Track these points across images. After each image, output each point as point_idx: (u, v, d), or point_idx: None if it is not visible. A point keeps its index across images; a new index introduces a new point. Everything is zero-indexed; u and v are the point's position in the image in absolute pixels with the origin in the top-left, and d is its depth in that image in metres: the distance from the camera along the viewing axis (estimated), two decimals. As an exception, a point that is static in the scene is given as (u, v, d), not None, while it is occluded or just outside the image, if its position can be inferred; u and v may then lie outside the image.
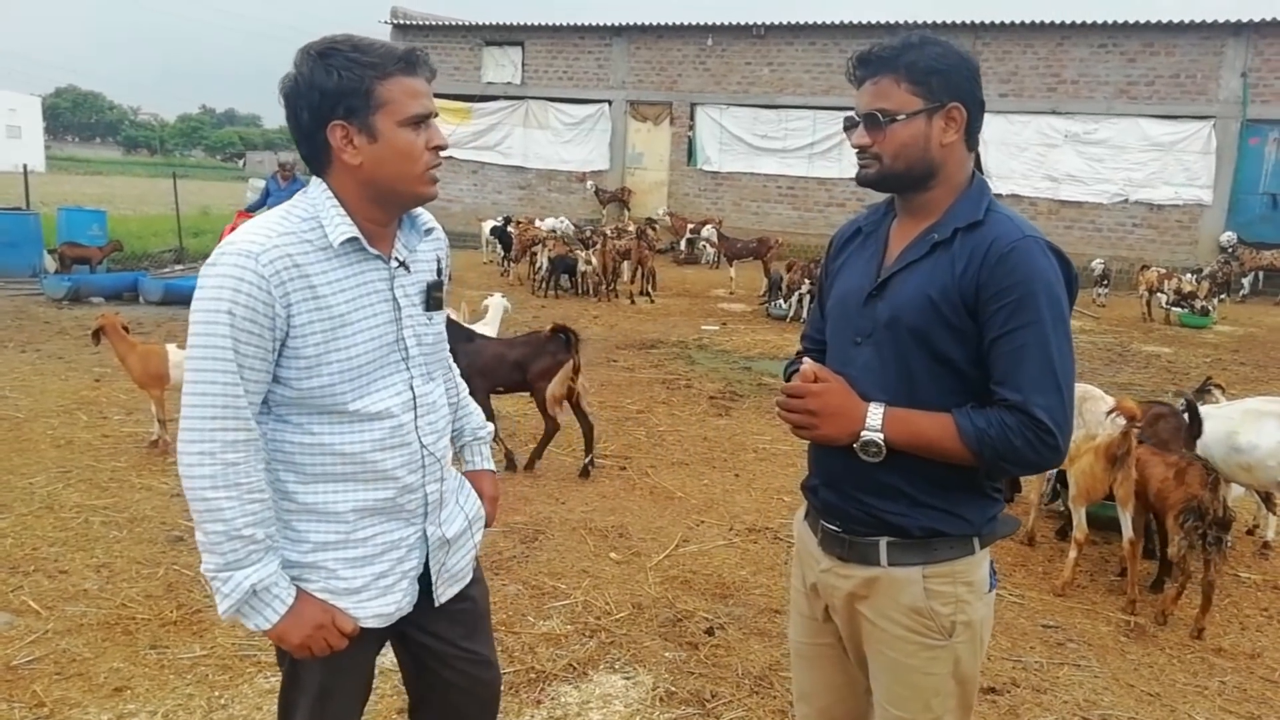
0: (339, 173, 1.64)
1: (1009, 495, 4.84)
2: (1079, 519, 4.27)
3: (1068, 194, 18.02)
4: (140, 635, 3.42)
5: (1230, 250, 16.35)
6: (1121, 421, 4.05)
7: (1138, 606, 4.07)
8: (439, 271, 1.83)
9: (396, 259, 1.72)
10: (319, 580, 1.70)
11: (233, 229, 10.50)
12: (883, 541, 1.73)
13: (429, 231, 1.83)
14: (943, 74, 1.66)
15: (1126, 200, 17.64)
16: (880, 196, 1.87)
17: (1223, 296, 13.92)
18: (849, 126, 1.77)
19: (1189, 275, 13.70)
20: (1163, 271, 13.72)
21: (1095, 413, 4.51)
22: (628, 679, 3.32)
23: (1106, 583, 4.42)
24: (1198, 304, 12.93)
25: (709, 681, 3.31)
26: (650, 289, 13.49)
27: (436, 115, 1.68)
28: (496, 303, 7.61)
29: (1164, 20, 17.01)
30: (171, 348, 5.64)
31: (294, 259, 1.57)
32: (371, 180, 1.63)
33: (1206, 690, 3.46)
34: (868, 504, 1.73)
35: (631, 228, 16.59)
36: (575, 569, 4.22)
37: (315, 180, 1.68)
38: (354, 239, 1.63)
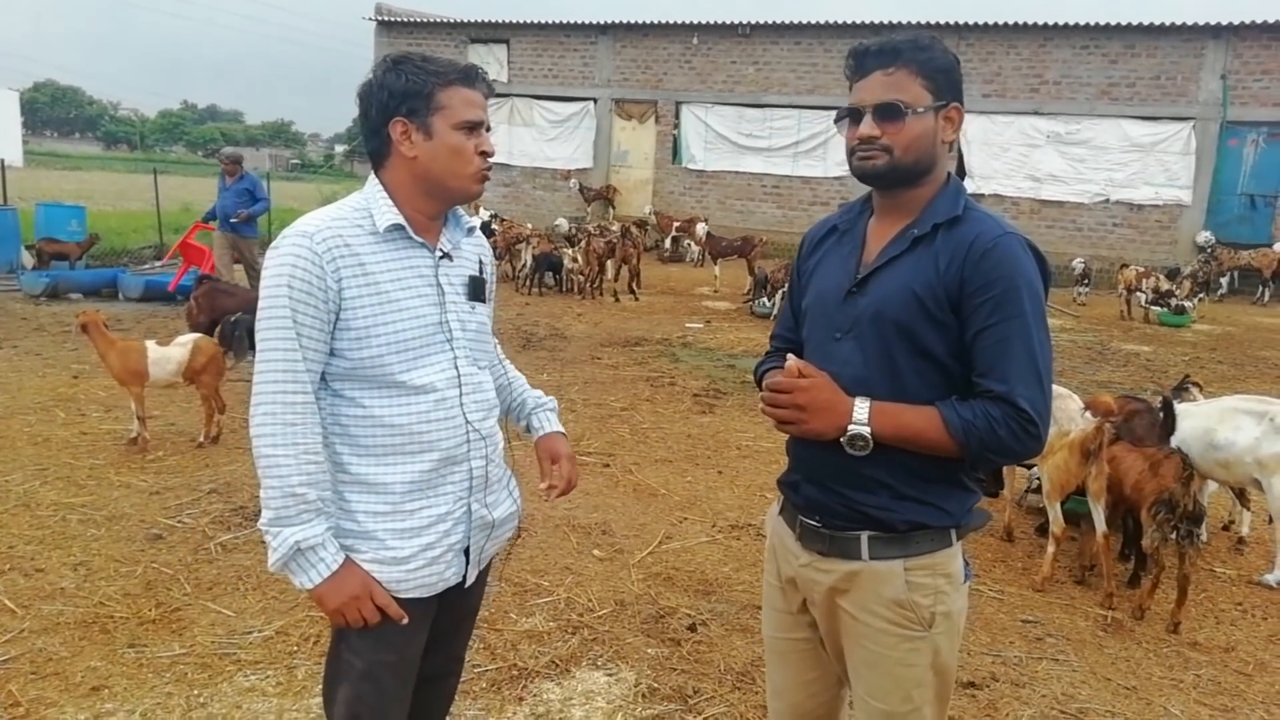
0: (396, 165, 1.81)
1: (994, 490, 4.91)
2: (1055, 514, 4.33)
3: (1049, 194, 18.13)
4: (118, 634, 3.39)
5: (1209, 250, 16.51)
6: (1094, 417, 4.11)
7: (1114, 600, 4.12)
8: (481, 270, 1.98)
9: (441, 249, 1.88)
10: (369, 550, 1.79)
11: (186, 242, 10.15)
12: (864, 536, 1.75)
13: (471, 230, 1.99)
14: (947, 74, 1.72)
15: (1107, 200, 17.78)
16: (859, 191, 1.89)
17: (1202, 296, 14.04)
18: (844, 118, 1.76)
19: (1169, 269, 13.83)
20: (1141, 270, 13.84)
21: (1065, 410, 4.58)
22: (610, 675, 3.32)
23: (1086, 578, 4.45)
24: (1174, 302, 13.04)
25: (691, 678, 3.32)
26: (635, 287, 13.49)
27: (490, 127, 1.87)
28: None
29: (1145, 22, 17.12)
30: (151, 344, 5.60)
31: (345, 239, 1.74)
32: (425, 174, 1.80)
33: (1182, 683, 3.50)
34: (850, 498, 1.75)
35: (615, 226, 16.58)
36: (558, 566, 4.22)
37: (371, 177, 1.86)
38: (400, 226, 1.80)
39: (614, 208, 20.81)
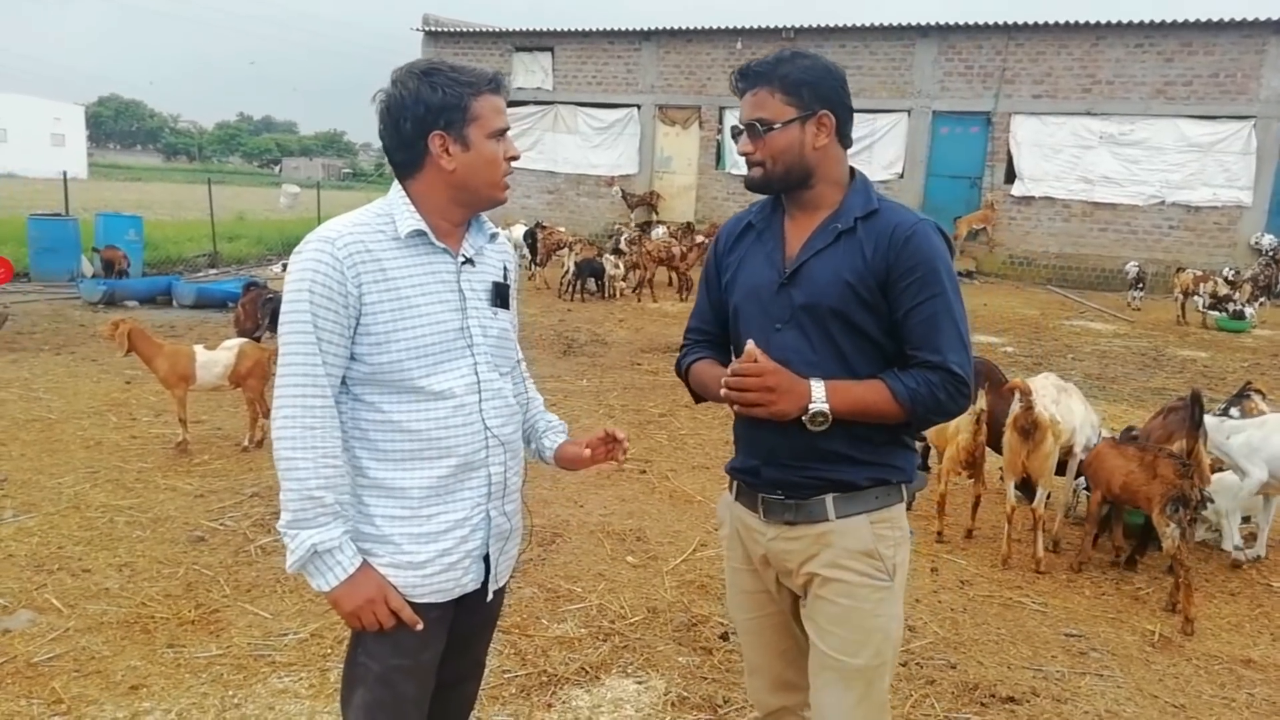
0: (429, 177, 1.82)
1: (923, 464, 5.39)
2: (1010, 492, 4.64)
3: (1102, 196, 17.69)
4: (158, 634, 3.45)
5: (1270, 253, 15.99)
6: (1020, 397, 4.45)
7: (1008, 560, 4.53)
8: (505, 275, 1.98)
9: (464, 255, 1.88)
10: (386, 555, 1.80)
11: None
12: (828, 498, 1.90)
13: (493, 237, 1.98)
14: (812, 85, 1.86)
15: (1163, 202, 17.30)
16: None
17: (1262, 300, 13.60)
18: (735, 135, 1.95)
19: (1225, 274, 13.42)
20: (1198, 274, 13.45)
21: (1064, 405, 4.80)
22: (640, 683, 3.30)
23: (1132, 591, 4.33)
24: (1233, 307, 12.65)
25: (721, 687, 3.28)
26: (684, 292, 13.52)
27: (510, 130, 1.89)
28: None
29: (1203, 19, 16.65)
30: (199, 348, 5.72)
31: (366, 245, 1.75)
32: (461, 184, 1.81)
33: (1234, 703, 3.37)
34: (812, 469, 1.89)
35: (661, 230, 16.63)
36: (591, 572, 4.21)
37: (395, 184, 1.87)
38: (421, 232, 1.80)
39: (657, 213, 20.81)
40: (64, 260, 13.08)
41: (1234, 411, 5.18)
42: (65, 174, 15.85)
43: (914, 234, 1.83)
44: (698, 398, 2.14)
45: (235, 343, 5.91)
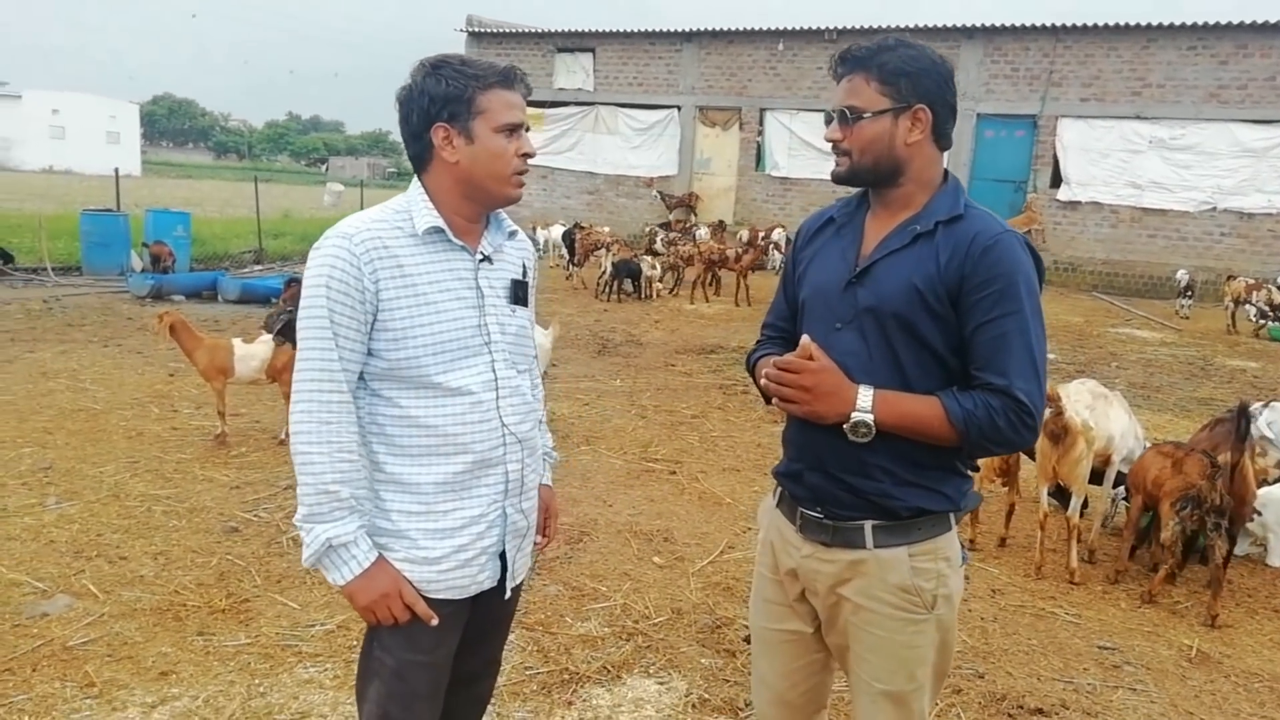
0: (437, 170, 1.81)
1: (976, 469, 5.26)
2: (1042, 498, 4.58)
3: (1152, 202, 17.32)
4: (189, 622, 3.52)
5: (1327, 261, 15.54)
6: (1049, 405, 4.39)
7: (1041, 570, 4.51)
8: (524, 273, 1.97)
9: (482, 253, 1.87)
10: (402, 550, 1.81)
11: None
12: (868, 525, 1.79)
13: (513, 234, 1.97)
14: (911, 76, 1.75)
15: (1215, 208, 16.88)
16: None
17: (1318, 310, 13.20)
18: (827, 120, 1.84)
19: (1278, 281, 13.06)
20: (1250, 282, 13.10)
21: (1100, 411, 4.76)
22: (661, 684, 3.29)
23: (1170, 605, 4.22)
24: (1287, 317, 12.32)
25: (743, 690, 3.26)
26: (713, 293, 13.50)
27: (529, 128, 1.87)
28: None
29: (1259, 20, 16.24)
30: (238, 342, 5.82)
31: (384, 241, 1.75)
32: (467, 178, 1.79)
33: (1273, 722, 3.28)
34: (854, 485, 1.79)
35: (704, 231, 16.64)
36: (617, 572, 4.21)
37: (414, 180, 1.87)
38: (439, 229, 1.80)
39: (696, 215, 20.77)
40: (114, 255, 13.39)
41: None
42: (117, 170, 16.22)
43: (996, 244, 1.69)
44: (767, 397, 1.96)
45: (269, 337, 6.01)
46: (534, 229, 17.14)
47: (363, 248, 1.73)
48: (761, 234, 17.99)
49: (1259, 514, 4.59)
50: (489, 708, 2.90)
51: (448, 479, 1.82)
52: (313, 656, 3.32)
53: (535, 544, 2.07)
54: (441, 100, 1.76)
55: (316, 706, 3.01)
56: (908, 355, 1.74)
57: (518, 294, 1.93)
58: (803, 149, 20.27)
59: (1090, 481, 4.62)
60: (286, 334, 6.27)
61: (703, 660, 3.46)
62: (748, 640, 3.60)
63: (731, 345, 10.18)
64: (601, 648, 3.51)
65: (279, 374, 5.82)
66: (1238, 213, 16.76)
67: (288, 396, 6.01)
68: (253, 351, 5.79)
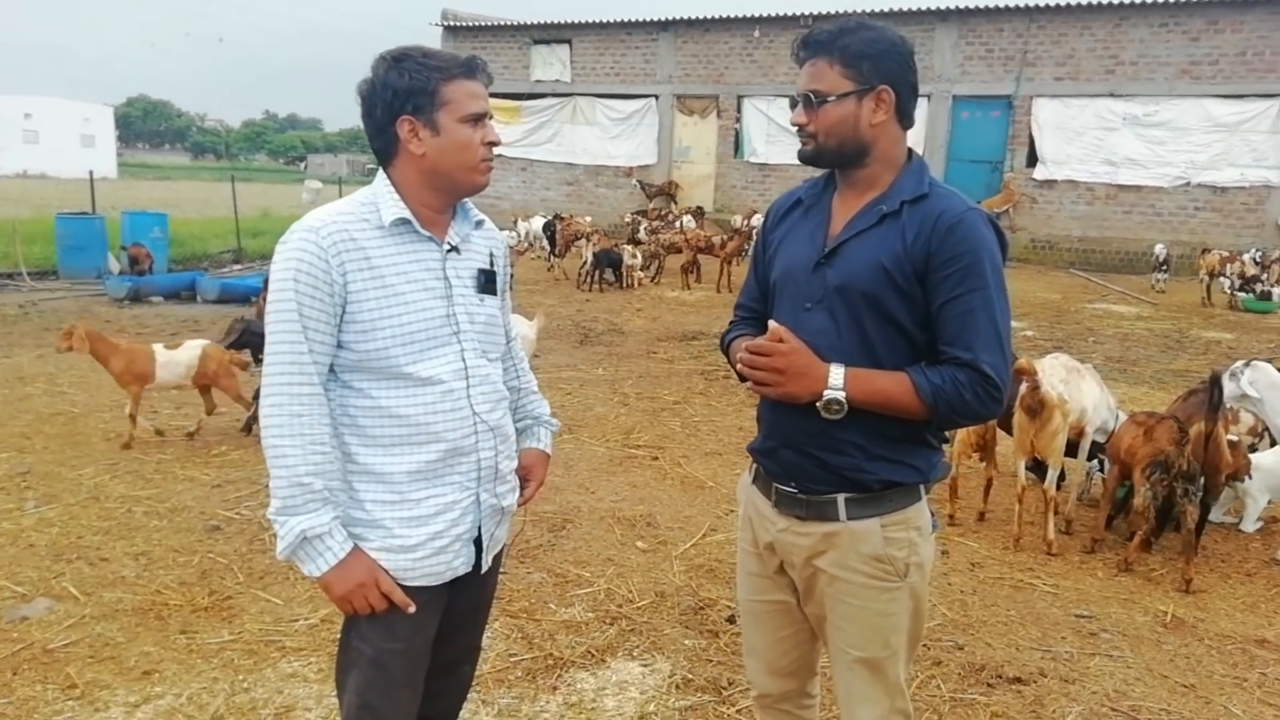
0: (403, 163, 1.82)
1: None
2: (1020, 472, 4.62)
3: (1127, 178, 17.42)
4: (172, 620, 3.52)
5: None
6: (1025, 379, 4.45)
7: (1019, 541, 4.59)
8: (492, 263, 1.98)
9: (449, 243, 1.88)
10: (377, 539, 1.82)
11: None
12: (840, 498, 1.84)
13: (480, 224, 1.98)
14: (873, 58, 1.78)
15: (1189, 183, 17.00)
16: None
17: (1292, 281, 13.36)
18: (792, 104, 1.87)
19: (1251, 254, 13.20)
20: (1224, 254, 13.23)
21: (1074, 385, 4.80)
22: (645, 666, 3.32)
23: (1145, 572, 4.28)
24: (1260, 288, 12.44)
25: (726, 669, 3.29)
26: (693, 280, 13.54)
27: (492, 116, 1.88)
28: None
29: (1230, -4, 16.35)
30: (159, 348, 5.75)
31: (350, 234, 1.76)
32: (433, 169, 1.80)
33: (1245, 682, 3.34)
34: (826, 460, 1.83)
35: (689, 219, 16.65)
36: (600, 557, 4.23)
37: (380, 172, 1.87)
38: (405, 220, 1.81)
39: (676, 203, 20.77)
40: (91, 258, 13.27)
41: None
42: (91, 173, 16.11)
43: (960, 222, 1.73)
44: (741, 376, 2.05)
45: (198, 343, 5.88)
46: (514, 221, 17.08)
47: (329, 240, 1.74)
48: (743, 219, 17.99)
49: (1249, 477, 4.66)
50: (474, 695, 2.94)
51: (420, 468, 1.83)
52: (296, 651, 3.33)
53: (516, 491, 2.07)
54: (405, 93, 1.76)
55: (301, 700, 3.02)
56: (877, 333, 1.78)
57: (486, 283, 1.94)
58: (781, 135, 20.25)
59: (1066, 454, 4.68)
60: (242, 346, 6.29)
61: (686, 641, 3.49)
62: (730, 620, 3.64)
63: (712, 332, 10.21)
64: (585, 633, 3.53)
65: (213, 380, 5.77)
66: (1211, 187, 16.89)
67: (238, 399, 5.91)
68: (177, 358, 5.68)
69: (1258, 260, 13.04)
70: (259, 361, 6.22)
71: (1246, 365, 5.08)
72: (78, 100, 64.14)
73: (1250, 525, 4.81)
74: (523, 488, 2.10)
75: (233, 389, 5.88)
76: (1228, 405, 4.84)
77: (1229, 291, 12.77)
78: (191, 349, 5.81)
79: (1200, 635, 3.68)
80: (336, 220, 1.77)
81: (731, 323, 2.13)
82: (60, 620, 3.48)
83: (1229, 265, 12.86)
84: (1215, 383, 4.31)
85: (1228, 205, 16.86)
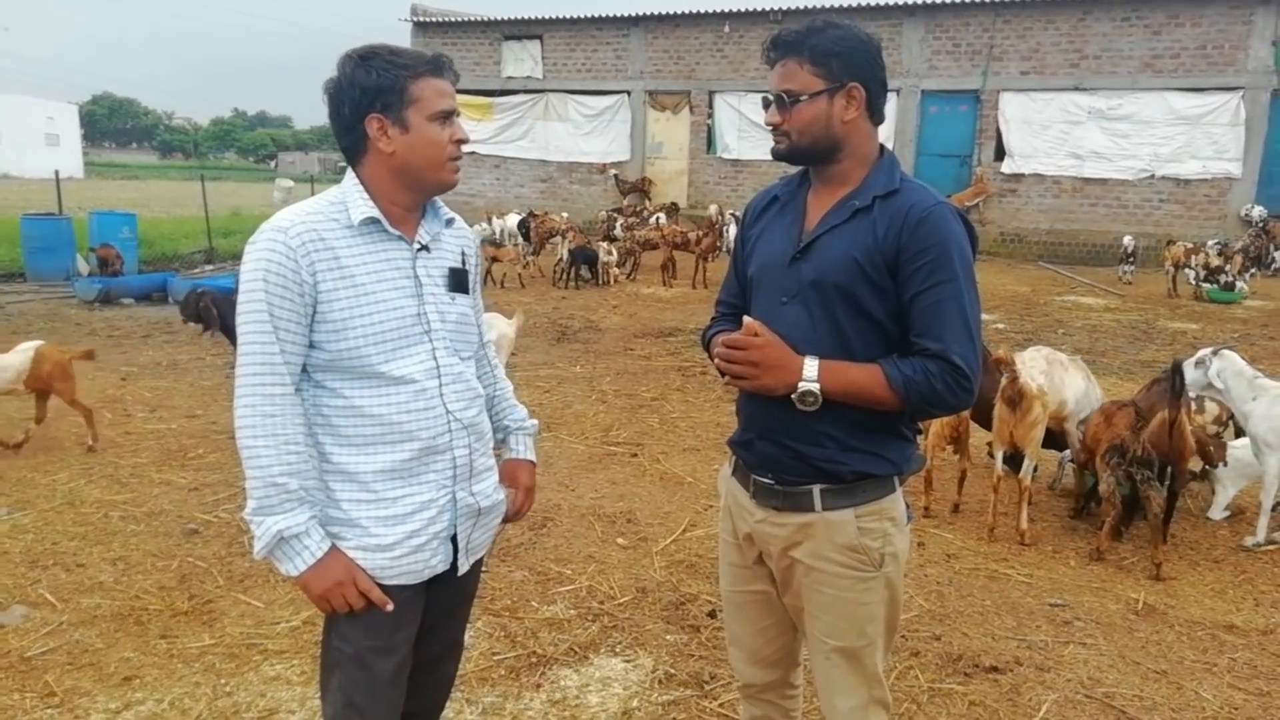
0: (372, 161, 1.83)
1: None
2: (997, 462, 4.72)
3: (1092, 171, 17.68)
4: (152, 626, 3.50)
5: (1260, 224, 15.99)
6: (1004, 370, 4.53)
7: (993, 532, 4.63)
8: (463, 261, 1.99)
9: (419, 242, 1.88)
10: (354, 538, 1.83)
11: None
12: (816, 489, 1.88)
13: (450, 222, 1.99)
14: (842, 56, 1.82)
15: (1153, 176, 17.29)
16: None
17: (1253, 271, 13.62)
18: (765, 105, 1.91)
19: (1212, 244, 13.44)
20: (1189, 246, 13.46)
21: (1056, 377, 4.91)
22: (628, 662, 3.34)
23: (1116, 561, 4.37)
24: (1224, 279, 12.68)
25: (709, 664, 3.33)
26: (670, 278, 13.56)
27: (459, 113, 1.89)
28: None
29: (1190, -9, 16.62)
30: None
31: (319, 233, 1.76)
32: (403, 167, 1.81)
33: (1215, 667, 3.42)
34: (801, 452, 1.87)
35: (660, 216, 16.66)
36: (582, 555, 4.25)
37: (348, 171, 1.87)
38: (374, 219, 1.81)
39: (650, 199, 20.79)
40: (59, 259, 13.06)
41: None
42: (57, 173, 15.85)
43: (929, 215, 1.77)
44: (721, 370, 2.07)
45: (30, 345, 5.54)
46: (489, 218, 17.02)
47: (298, 240, 1.74)
48: (717, 210, 17.98)
49: (1224, 464, 4.76)
50: (457, 694, 2.96)
51: (395, 466, 1.84)
52: (279, 654, 3.32)
53: (505, 503, 2.08)
54: (374, 91, 1.77)
55: (284, 703, 3.02)
56: (851, 326, 1.82)
57: (457, 282, 1.95)
58: (753, 130, 20.32)
59: (1050, 446, 4.77)
60: (195, 319, 6.15)
61: (668, 637, 3.52)
62: (712, 615, 3.68)
63: (689, 328, 10.25)
64: (568, 630, 3.56)
65: (48, 384, 5.47)
66: (1175, 179, 17.18)
67: (73, 404, 5.62)
68: (6, 362, 5.42)
69: (1220, 252, 13.27)
70: (212, 334, 6.26)
71: (1214, 353, 5.16)
72: (41, 98, 62.94)
73: (1218, 513, 4.92)
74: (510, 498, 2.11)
75: (68, 393, 5.55)
76: (1194, 394, 4.93)
77: (1194, 283, 13.00)
78: (23, 352, 5.44)
79: (1171, 622, 3.77)
80: (305, 220, 1.77)
81: (713, 319, 2.17)
82: (37, 628, 3.45)
83: (1194, 257, 13.08)
84: (1177, 370, 4.39)
85: (1191, 197, 17.17)
